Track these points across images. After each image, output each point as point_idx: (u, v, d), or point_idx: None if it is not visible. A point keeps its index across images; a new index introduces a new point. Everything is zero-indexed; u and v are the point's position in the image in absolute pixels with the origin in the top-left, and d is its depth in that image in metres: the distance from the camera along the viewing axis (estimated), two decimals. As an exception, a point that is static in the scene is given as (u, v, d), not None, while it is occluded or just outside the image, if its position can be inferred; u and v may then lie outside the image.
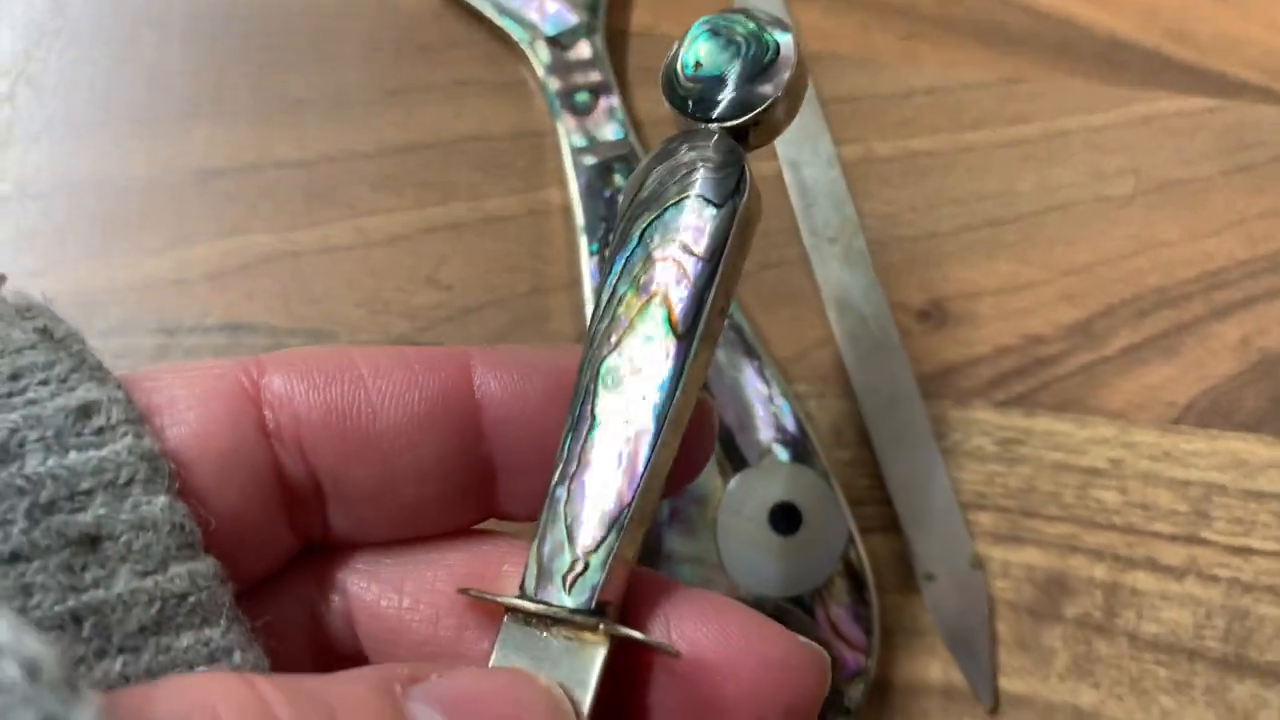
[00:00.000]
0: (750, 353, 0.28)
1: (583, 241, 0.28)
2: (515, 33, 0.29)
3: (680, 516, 0.26)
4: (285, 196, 0.29)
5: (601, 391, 0.18)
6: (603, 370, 0.18)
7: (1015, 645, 0.27)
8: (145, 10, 0.31)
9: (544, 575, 0.17)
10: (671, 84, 0.19)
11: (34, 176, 0.30)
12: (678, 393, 0.17)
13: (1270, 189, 0.30)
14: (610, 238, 0.28)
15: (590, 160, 0.29)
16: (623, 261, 0.18)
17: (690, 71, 0.19)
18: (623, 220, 0.18)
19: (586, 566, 0.17)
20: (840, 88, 0.31)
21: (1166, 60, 0.31)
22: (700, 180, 0.18)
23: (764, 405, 0.27)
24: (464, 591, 0.18)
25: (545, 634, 0.17)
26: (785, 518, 0.26)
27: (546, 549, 0.17)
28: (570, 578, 0.17)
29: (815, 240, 0.29)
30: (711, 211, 0.18)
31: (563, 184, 0.29)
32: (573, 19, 0.30)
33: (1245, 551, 0.28)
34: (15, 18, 0.31)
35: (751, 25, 0.19)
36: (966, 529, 0.28)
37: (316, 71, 0.30)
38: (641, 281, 0.18)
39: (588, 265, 0.28)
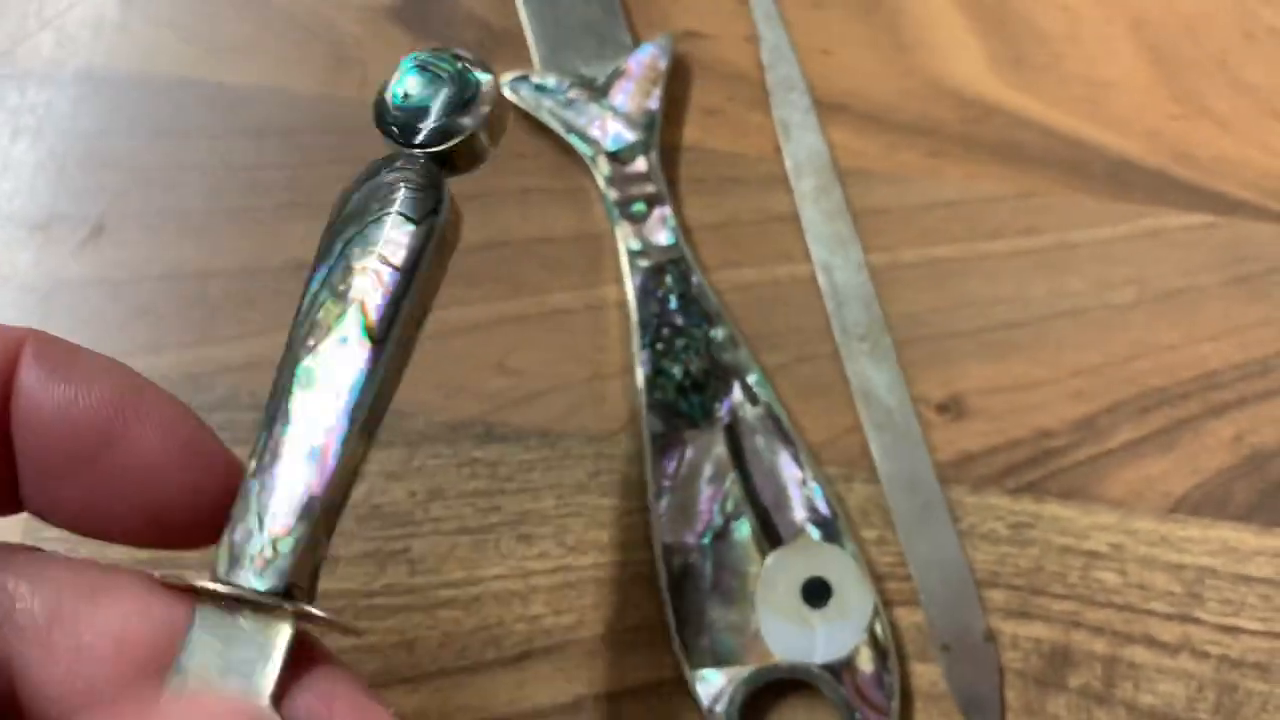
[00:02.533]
0: (786, 439, 0.31)
1: (636, 335, 0.31)
2: (580, 148, 0.33)
3: (721, 588, 0.29)
4: (370, 288, 0.33)
5: (297, 391, 0.19)
6: (299, 371, 0.19)
7: (1023, 712, 0.30)
8: (244, 119, 0.34)
9: (235, 561, 0.18)
10: (381, 112, 0.21)
11: (147, 263, 0.33)
12: (371, 393, 0.19)
13: (1264, 299, 0.33)
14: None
15: (645, 263, 0.32)
16: (325, 272, 0.20)
17: (399, 101, 0.21)
18: (326, 234, 0.20)
19: (276, 552, 0.18)
20: (870, 201, 0.34)
21: (1171, 180, 0.34)
22: (401, 199, 0.20)
23: (798, 488, 0.30)
24: (154, 576, 0.19)
25: (236, 617, 0.18)
26: (817, 592, 0.29)
27: (237, 536, 0.18)
28: (260, 561, 0.18)
29: (845, 338, 0.32)
30: (410, 228, 0.20)
31: (619, 282, 0.32)
32: (631, 137, 0.33)
33: (1235, 630, 0.30)
34: (132, 121, 0.34)
35: (457, 64, 0.21)
36: (980, 604, 0.30)
37: (400, 175, 0.34)
38: (340, 290, 0.19)
39: (640, 356, 0.31)
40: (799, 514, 0.30)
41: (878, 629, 0.29)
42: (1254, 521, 0.31)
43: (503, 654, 0.30)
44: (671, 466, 0.30)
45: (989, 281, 0.33)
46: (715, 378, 0.31)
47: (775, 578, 0.29)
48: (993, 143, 0.35)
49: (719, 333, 0.31)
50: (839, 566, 0.30)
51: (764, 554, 0.30)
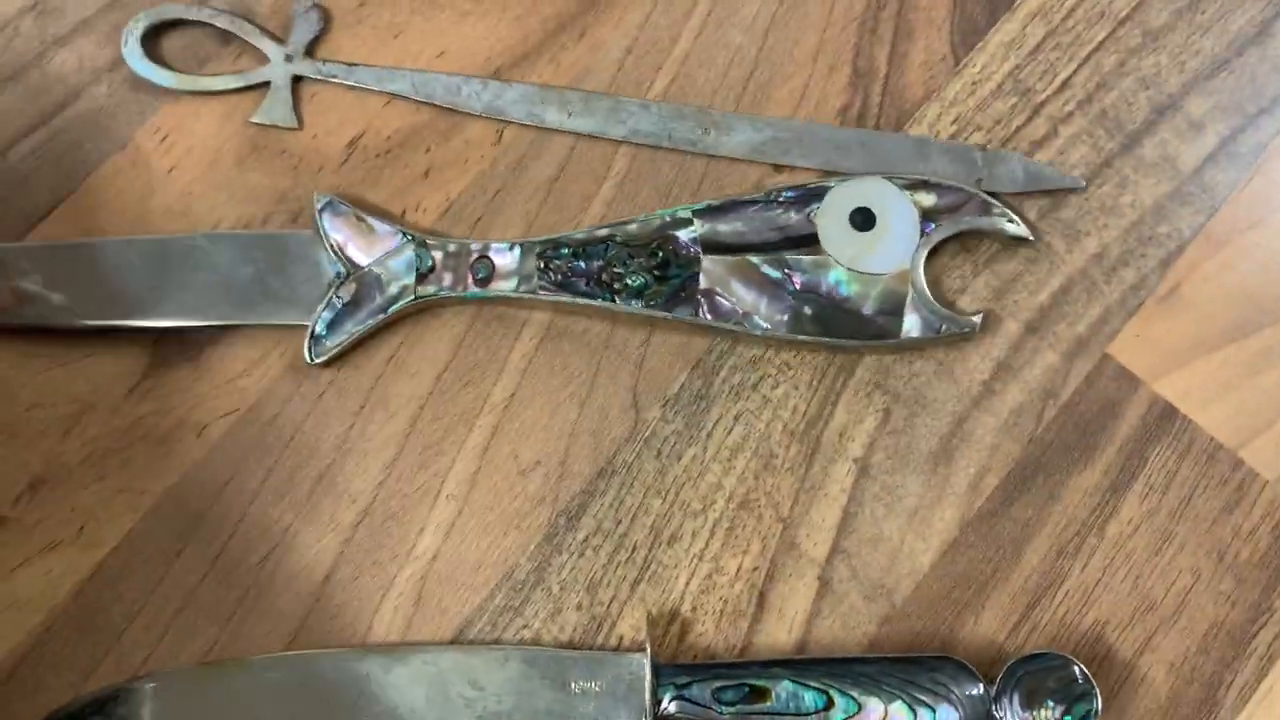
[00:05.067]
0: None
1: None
2: (403, 306, 0.34)
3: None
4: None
5: None
6: None
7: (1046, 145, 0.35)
8: None
9: None
10: None
11: None
12: None
13: None
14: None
15: (532, 283, 0.34)
16: None
17: None
18: None
19: None
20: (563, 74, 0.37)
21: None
22: None
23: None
24: None
25: None
26: (863, 219, 0.35)
27: None
28: None
29: (674, 139, 0.36)
30: None
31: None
32: (411, 250, 0.34)
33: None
34: None
35: None
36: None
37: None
38: None
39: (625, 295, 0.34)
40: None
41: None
42: None
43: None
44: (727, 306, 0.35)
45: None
46: (652, 255, 0.35)
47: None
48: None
49: (612, 248, 0.35)
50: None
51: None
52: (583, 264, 0.34)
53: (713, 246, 0.34)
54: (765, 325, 0.34)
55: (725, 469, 0.34)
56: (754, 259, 0.34)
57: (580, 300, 0.34)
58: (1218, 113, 0.36)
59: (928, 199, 0.35)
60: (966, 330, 0.34)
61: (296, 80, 0.36)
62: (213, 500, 0.33)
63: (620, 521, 0.33)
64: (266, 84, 0.36)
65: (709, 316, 0.34)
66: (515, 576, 0.33)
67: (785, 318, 0.34)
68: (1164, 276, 0.35)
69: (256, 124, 0.36)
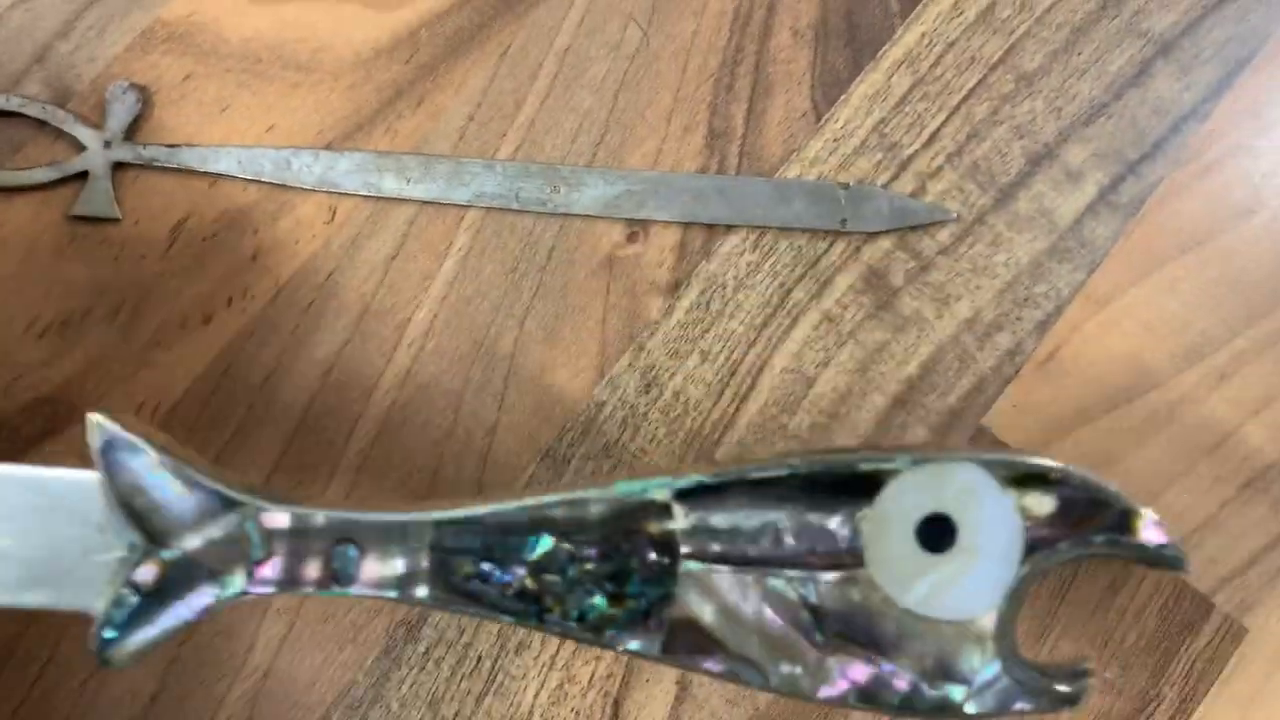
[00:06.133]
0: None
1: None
2: (218, 577, 0.24)
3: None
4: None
5: None
6: None
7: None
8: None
9: None
10: None
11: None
12: None
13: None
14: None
15: (437, 591, 0.24)
16: None
17: None
18: None
19: None
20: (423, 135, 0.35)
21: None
22: None
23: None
24: None
25: None
26: (938, 533, 0.23)
27: None
28: None
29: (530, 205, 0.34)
30: None
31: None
32: (224, 509, 0.24)
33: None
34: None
35: None
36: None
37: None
38: None
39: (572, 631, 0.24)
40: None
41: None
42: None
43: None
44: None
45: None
46: (605, 558, 0.23)
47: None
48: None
49: (544, 542, 0.24)
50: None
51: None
52: (498, 569, 0.23)
53: (701, 552, 0.22)
54: (782, 672, 0.23)
55: (577, 566, 0.32)
56: (767, 578, 0.22)
57: (502, 618, 0.23)
58: (1096, 160, 0.34)
59: (1044, 503, 0.22)
60: None
61: (117, 166, 0.34)
62: (29, 620, 0.31)
63: (464, 630, 0.31)
64: (85, 173, 0.34)
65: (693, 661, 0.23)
66: (352, 694, 0.31)
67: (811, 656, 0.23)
68: (1042, 340, 0.33)
69: (76, 216, 0.34)
